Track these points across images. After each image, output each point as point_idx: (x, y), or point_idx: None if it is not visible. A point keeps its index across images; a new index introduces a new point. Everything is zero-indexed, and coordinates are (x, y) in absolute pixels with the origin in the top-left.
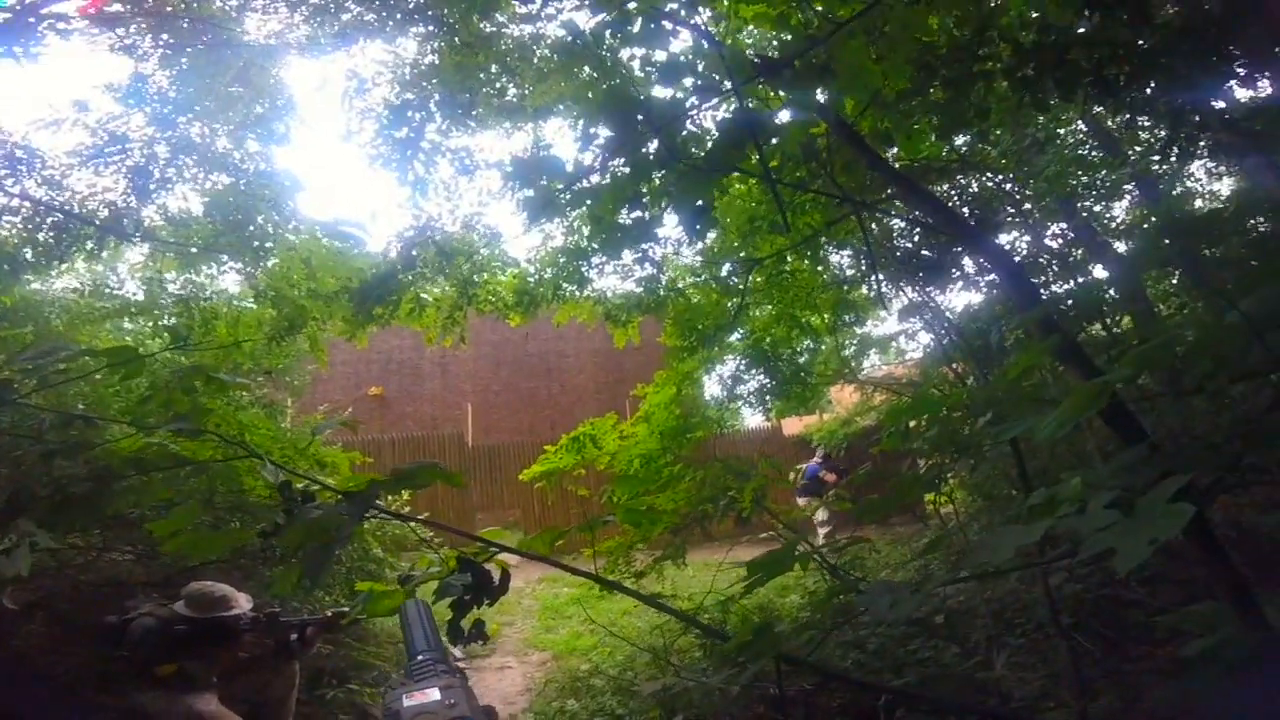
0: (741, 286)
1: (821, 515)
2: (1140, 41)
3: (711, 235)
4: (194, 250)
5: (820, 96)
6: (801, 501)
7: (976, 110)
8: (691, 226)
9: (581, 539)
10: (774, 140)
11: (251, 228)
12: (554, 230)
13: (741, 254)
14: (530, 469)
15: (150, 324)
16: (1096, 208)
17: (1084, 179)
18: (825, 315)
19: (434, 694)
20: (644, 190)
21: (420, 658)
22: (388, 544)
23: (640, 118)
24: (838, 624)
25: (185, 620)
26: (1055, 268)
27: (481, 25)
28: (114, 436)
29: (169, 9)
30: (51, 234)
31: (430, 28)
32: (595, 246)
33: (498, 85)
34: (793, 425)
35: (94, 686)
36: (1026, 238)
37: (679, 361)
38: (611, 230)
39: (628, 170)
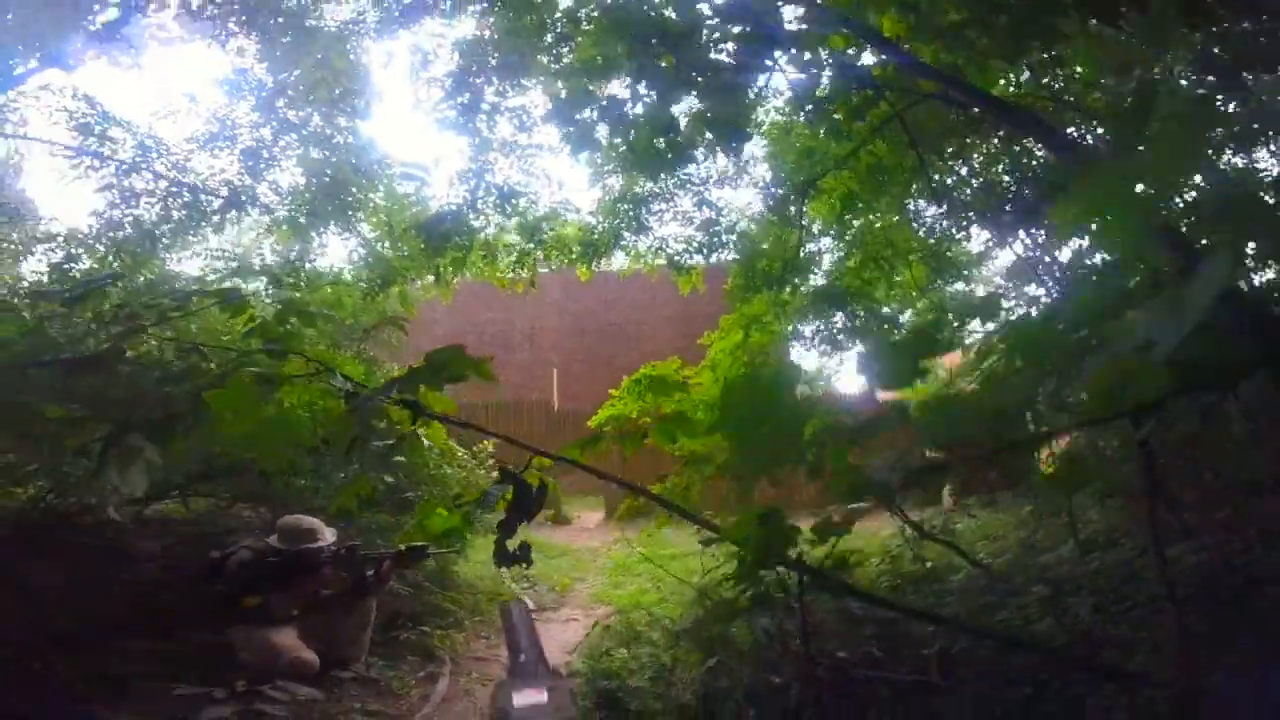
0: (799, 215)
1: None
2: None
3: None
4: (300, 221)
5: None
6: None
7: (1043, 29)
8: (726, 140)
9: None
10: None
11: (345, 196)
12: (614, 183)
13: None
14: (597, 415)
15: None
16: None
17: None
18: (917, 271)
19: (542, 696)
20: (675, 116)
21: (523, 658)
22: (466, 487)
23: (656, 39)
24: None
25: (276, 552)
26: None
27: None
28: (219, 365)
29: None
30: (183, 211)
31: (483, 4)
32: (652, 189)
33: (551, 50)
34: (890, 395)
35: (192, 624)
36: None
37: (742, 303)
38: (646, 153)
39: (655, 98)
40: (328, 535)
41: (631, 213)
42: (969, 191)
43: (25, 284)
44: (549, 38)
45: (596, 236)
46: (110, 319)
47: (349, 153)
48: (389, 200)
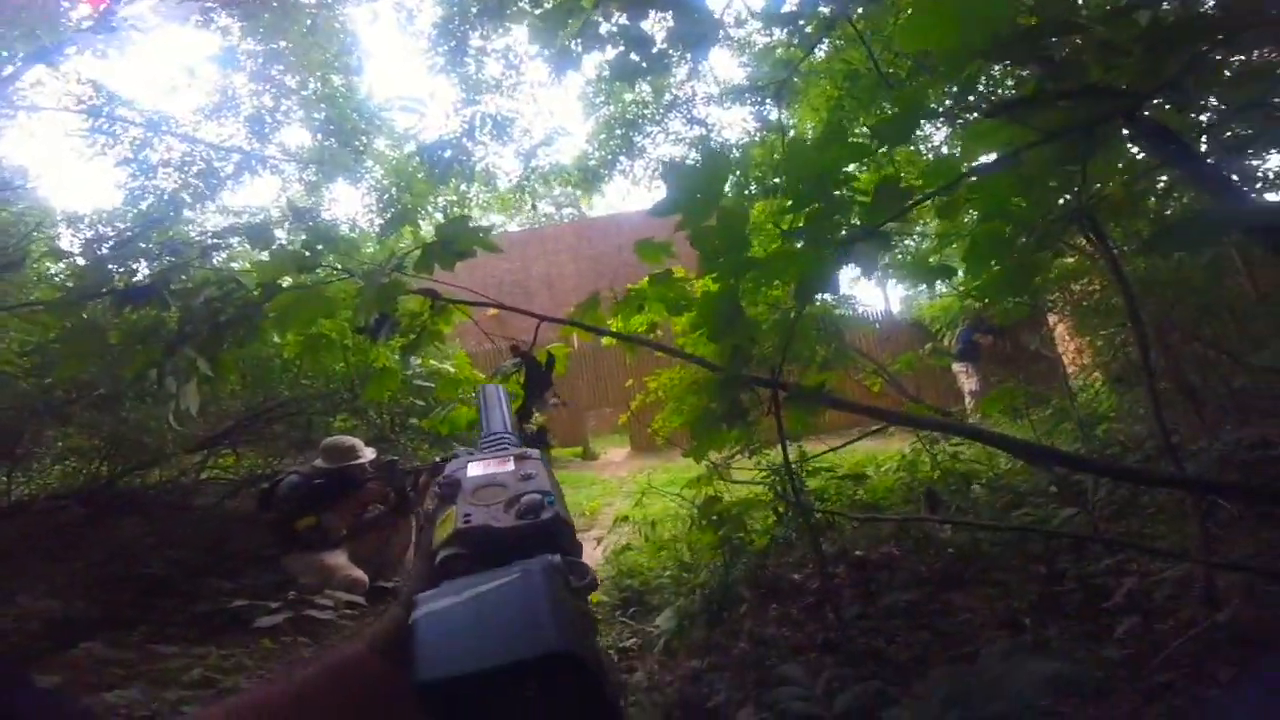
0: (779, 118)
1: (971, 385)
2: None
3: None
4: (312, 178)
5: None
6: (957, 368)
7: None
8: (693, 48)
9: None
10: None
11: (351, 145)
12: (606, 114)
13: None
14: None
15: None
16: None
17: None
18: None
19: (507, 465)
20: (646, 33)
21: (492, 435)
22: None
23: None
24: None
25: (322, 472)
26: None
27: None
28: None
29: None
30: (198, 179)
31: None
32: (642, 111)
33: None
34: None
35: (256, 563)
36: None
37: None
38: (624, 66)
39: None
40: (368, 452)
41: (624, 135)
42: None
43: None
44: None
45: (593, 162)
46: (157, 254)
47: (349, 106)
48: (391, 140)
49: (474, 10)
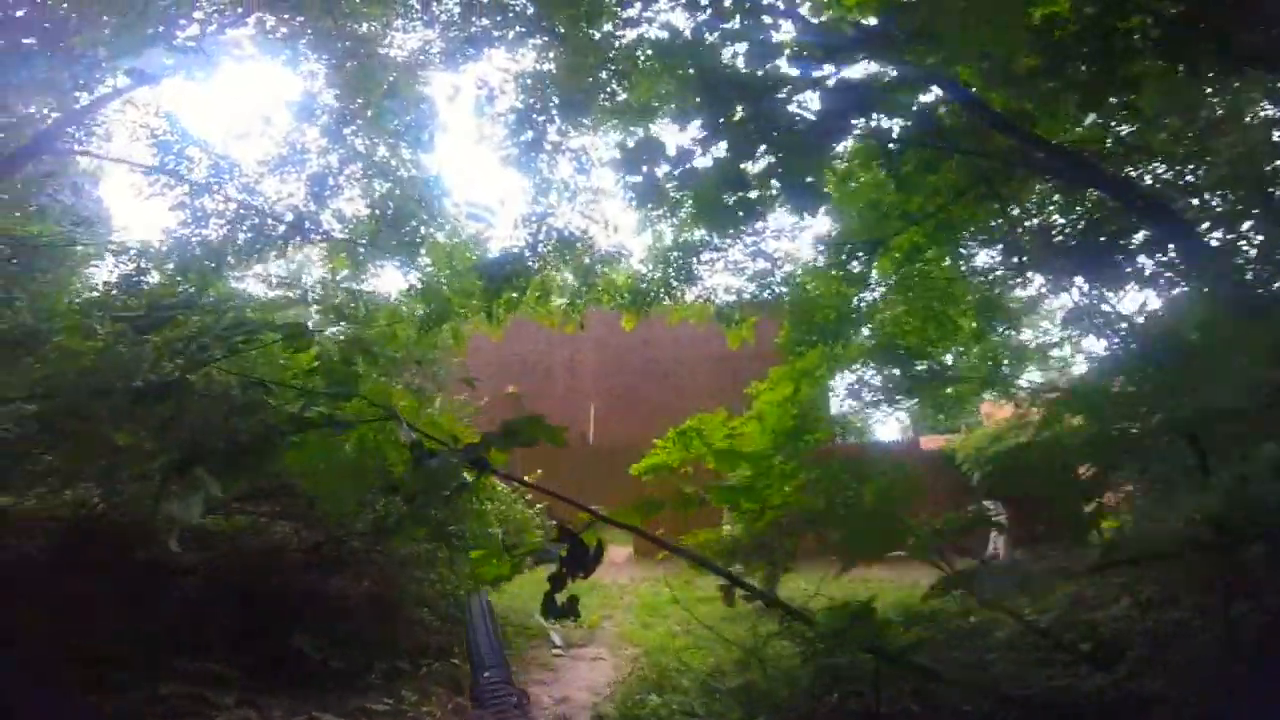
0: (864, 272)
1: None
2: None
3: (831, 222)
4: (361, 250)
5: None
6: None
7: (1123, 81)
8: (800, 201)
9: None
10: (883, 115)
11: (406, 228)
12: (665, 230)
13: (864, 239)
14: (641, 462)
15: (324, 314)
16: None
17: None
18: (969, 320)
19: None
20: (748, 171)
21: (488, 675)
22: (510, 529)
23: (733, 94)
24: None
25: None
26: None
27: (590, 31)
28: (283, 402)
29: (327, 26)
30: (249, 234)
31: (545, 39)
32: (704, 239)
33: (609, 89)
34: (932, 442)
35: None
36: (1216, 233)
37: (796, 358)
38: (714, 209)
39: (727, 153)
40: None
41: (682, 261)
42: (1025, 234)
43: (96, 291)
44: (604, 74)
45: (645, 285)
46: (181, 350)
47: (413, 185)
48: (450, 237)
49: (555, 101)
